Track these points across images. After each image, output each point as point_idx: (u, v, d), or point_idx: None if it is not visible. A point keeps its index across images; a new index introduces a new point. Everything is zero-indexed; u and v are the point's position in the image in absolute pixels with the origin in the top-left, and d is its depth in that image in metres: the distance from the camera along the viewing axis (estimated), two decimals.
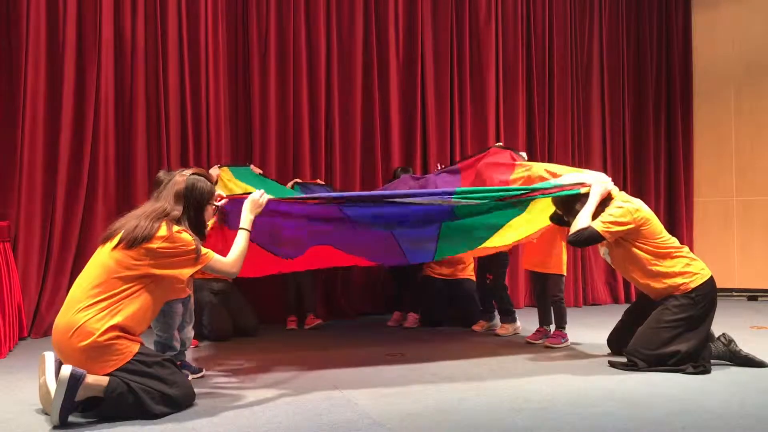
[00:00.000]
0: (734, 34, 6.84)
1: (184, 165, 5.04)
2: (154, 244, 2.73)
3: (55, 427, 2.55)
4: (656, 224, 3.63)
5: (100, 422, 2.61)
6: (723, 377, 3.33)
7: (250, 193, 3.19)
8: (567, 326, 4.32)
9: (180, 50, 5.28)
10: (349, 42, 5.82)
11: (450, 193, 3.53)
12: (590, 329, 4.80)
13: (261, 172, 5.11)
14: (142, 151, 5.15)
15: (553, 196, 3.69)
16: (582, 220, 3.55)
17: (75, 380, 2.51)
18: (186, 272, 2.83)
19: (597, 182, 3.65)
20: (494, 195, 3.56)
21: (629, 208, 3.55)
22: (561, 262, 4.34)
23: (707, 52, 7.01)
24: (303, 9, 5.67)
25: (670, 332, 3.45)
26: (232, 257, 2.95)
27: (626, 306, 4.23)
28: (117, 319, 2.64)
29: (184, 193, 2.91)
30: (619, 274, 6.19)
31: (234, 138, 5.51)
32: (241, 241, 2.99)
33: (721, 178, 6.87)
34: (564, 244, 4.29)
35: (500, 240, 4.04)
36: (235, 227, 3.06)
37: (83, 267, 2.85)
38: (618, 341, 3.82)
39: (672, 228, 6.46)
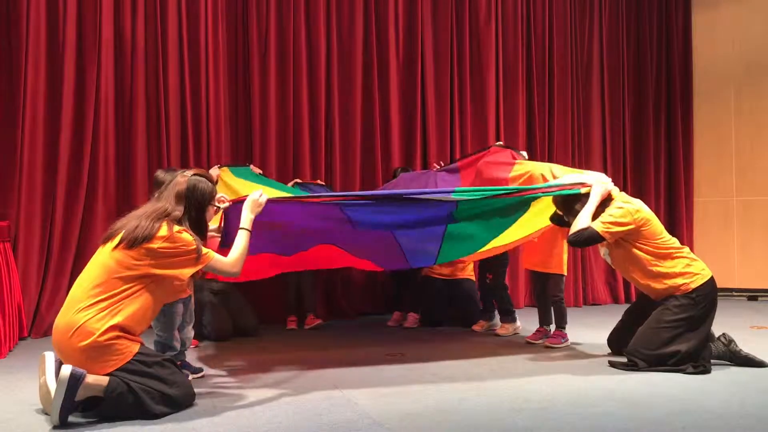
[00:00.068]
0: (734, 34, 6.84)
1: (184, 165, 5.05)
2: (155, 244, 2.73)
3: (55, 427, 2.55)
4: (656, 225, 3.62)
5: (100, 422, 2.61)
6: (723, 377, 3.33)
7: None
8: (567, 326, 4.32)
9: (180, 50, 5.28)
10: (349, 42, 5.82)
11: (449, 193, 3.53)
12: (590, 329, 4.80)
13: (261, 172, 5.11)
14: (142, 151, 5.15)
15: (554, 195, 3.70)
16: (582, 221, 3.55)
17: (75, 380, 2.51)
18: (186, 272, 2.83)
19: (597, 183, 3.65)
20: (494, 193, 3.57)
21: (629, 209, 3.55)
22: (562, 261, 4.33)
23: (707, 52, 7.00)
24: (303, 9, 5.67)
25: (670, 332, 3.45)
26: (233, 257, 2.95)
27: (626, 306, 4.23)
28: (117, 319, 2.64)
29: (186, 193, 2.91)
30: (619, 274, 6.19)
31: (234, 138, 5.51)
32: (241, 241, 2.99)
33: (721, 178, 6.87)
34: (565, 243, 4.29)
35: (501, 241, 4.04)
36: (236, 227, 3.06)
37: (83, 267, 2.86)
38: (618, 341, 3.82)
39: (672, 228, 6.46)
